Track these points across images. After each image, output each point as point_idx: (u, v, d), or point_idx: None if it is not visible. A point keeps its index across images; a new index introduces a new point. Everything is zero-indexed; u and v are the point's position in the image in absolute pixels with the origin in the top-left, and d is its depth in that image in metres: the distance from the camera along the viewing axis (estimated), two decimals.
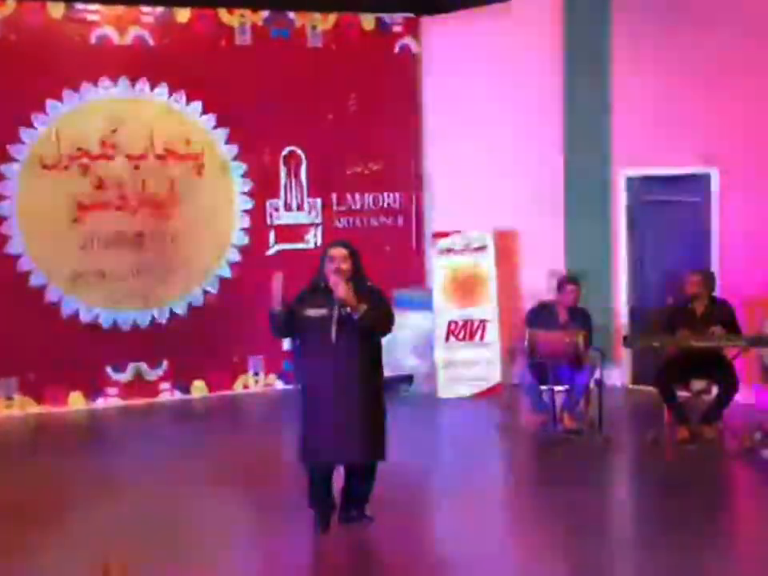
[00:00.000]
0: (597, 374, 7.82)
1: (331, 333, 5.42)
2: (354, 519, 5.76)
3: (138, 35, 9.35)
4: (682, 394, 7.67)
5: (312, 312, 5.50)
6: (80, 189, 9.20)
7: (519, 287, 9.73)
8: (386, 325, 5.59)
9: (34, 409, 9.09)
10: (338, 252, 5.53)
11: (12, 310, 8.92)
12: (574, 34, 9.65)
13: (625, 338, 8.09)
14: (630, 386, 9.48)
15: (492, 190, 9.77)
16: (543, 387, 7.90)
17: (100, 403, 9.34)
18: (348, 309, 5.41)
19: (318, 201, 10.10)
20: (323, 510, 5.71)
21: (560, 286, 8.09)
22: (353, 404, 5.49)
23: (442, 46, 10.20)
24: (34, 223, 9.07)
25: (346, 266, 5.49)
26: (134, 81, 9.35)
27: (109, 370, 9.38)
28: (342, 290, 5.41)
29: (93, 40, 9.20)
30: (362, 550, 5.69)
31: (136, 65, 9.34)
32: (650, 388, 8.11)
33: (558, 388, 7.92)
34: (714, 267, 8.69)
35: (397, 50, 10.32)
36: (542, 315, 8.03)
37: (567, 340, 7.65)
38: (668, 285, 8.72)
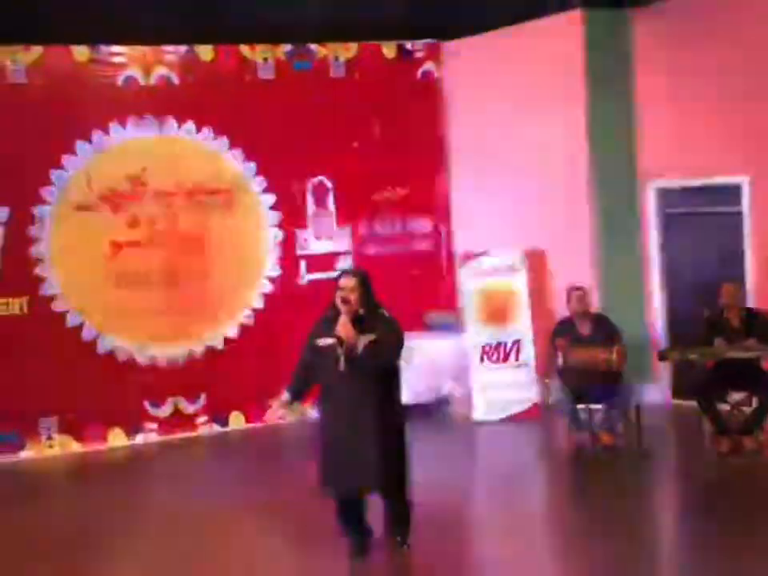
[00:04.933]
0: (634, 390, 7.75)
1: (339, 362, 5.45)
2: (398, 546, 5.75)
3: (163, 75, 9.50)
4: (721, 406, 7.58)
5: (322, 342, 5.55)
6: (112, 228, 9.33)
7: (551, 306, 9.67)
8: (390, 356, 5.58)
9: (74, 447, 9.18)
10: (346, 282, 5.56)
11: (50, 350, 9.03)
12: (595, 49, 9.64)
13: (660, 352, 8.03)
14: (669, 401, 9.37)
15: (520, 210, 9.77)
16: (580, 406, 7.85)
17: (140, 439, 9.41)
18: (348, 345, 5.43)
19: (347, 229, 10.15)
20: (356, 537, 5.71)
21: (567, 296, 8.07)
22: (365, 432, 5.47)
23: (464, 69, 10.24)
24: (69, 264, 9.20)
25: (354, 296, 5.50)
26: (161, 119, 9.49)
27: (147, 405, 9.46)
28: (340, 327, 5.44)
29: (119, 81, 9.36)
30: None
31: (162, 104, 9.49)
32: (689, 402, 8.03)
33: (594, 406, 7.86)
34: (749, 278, 8.59)
35: (419, 75, 10.39)
36: (564, 330, 7.98)
37: (601, 357, 7.60)
38: (702, 297, 8.64)
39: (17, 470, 8.81)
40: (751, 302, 8.19)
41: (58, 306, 9.18)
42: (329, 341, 5.52)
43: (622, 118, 9.53)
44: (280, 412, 5.83)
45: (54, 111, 9.08)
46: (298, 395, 5.79)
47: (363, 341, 5.44)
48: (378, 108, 10.13)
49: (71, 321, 9.23)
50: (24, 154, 8.95)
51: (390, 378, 5.63)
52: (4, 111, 8.95)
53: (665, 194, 9.45)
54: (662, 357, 7.97)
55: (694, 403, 7.76)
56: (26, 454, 9.05)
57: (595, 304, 8.83)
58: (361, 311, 5.52)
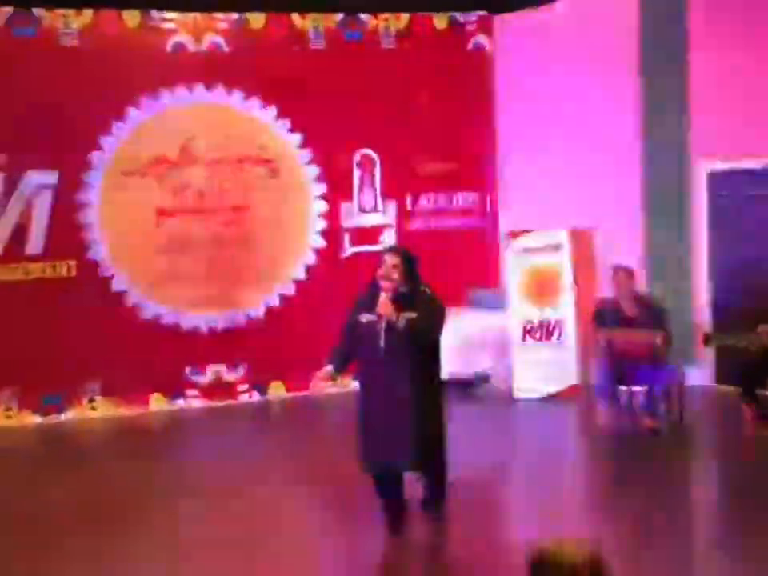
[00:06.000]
0: (677, 374, 7.67)
1: (380, 339, 5.44)
2: (433, 520, 5.76)
3: (213, 42, 9.49)
4: (763, 392, 7.48)
5: (363, 317, 5.54)
6: (159, 195, 9.38)
7: (596, 286, 9.57)
8: (431, 334, 5.56)
9: (116, 411, 9.30)
10: (390, 259, 5.54)
11: (95, 314, 9.12)
12: (650, 25, 9.46)
13: (705, 336, 7.92)
14: (712, 385, 9.26)
15: (568, 188, 9.66)
16: (621, 387, 7.78)
17: (180, 405, 9.50)
18: (388, 322, 5.42)
19: (392, 202, 10.12)
20: (392, 512, 5.73)
21: (613, 277, 7.98)
22: (403, 409, 5.47)
23: (516, 42, 10.11)
24: (116, 229, 9.27)
25: (396, 273, 5.48)
26: (209, 87, 9.49)
27: (189, 372, 9.54)
28: (381, 305, 5.43)
29: (169, 48, 9.37)
30: (433, 552, 5.67)
31: (211, 71, 9.48)
32: (732, 387, 7.93)
33: (636, 388, 7.79)
34: None
35: (470, 48, 10.28)
36: (608, 311, 7.90)
37: (645, 339, 7.52)
38: (750, 282, 8.50)
39: (59, 431, 8.94)
40: None
41: (104, 271, 9.27)
42: (370, 317, 5.52)
43: (677, 94, 9.35)
44: (322, 384, 5.83)
45: (105, 76, 9.11)
46: (339, 368, 5.80)
47: (403, 319, 5.42)
48: (427, 80, 10.05)
49: (117, 285, 9.32)
50: (74, 118, 9.00)
51: (429, 355, 5.61)
52: (55, 75, 8.98)
53: (717, 177, 9.28)
54: (707, 341, 7.86)
55: (736, 388, 7.66)
56: (68, 416, 9.18)
57: (641, 285, 8.72)
58: (403, 289, 5.50)
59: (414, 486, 5.79)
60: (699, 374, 9.22)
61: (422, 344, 5.52)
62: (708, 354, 9.16)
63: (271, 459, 7.56)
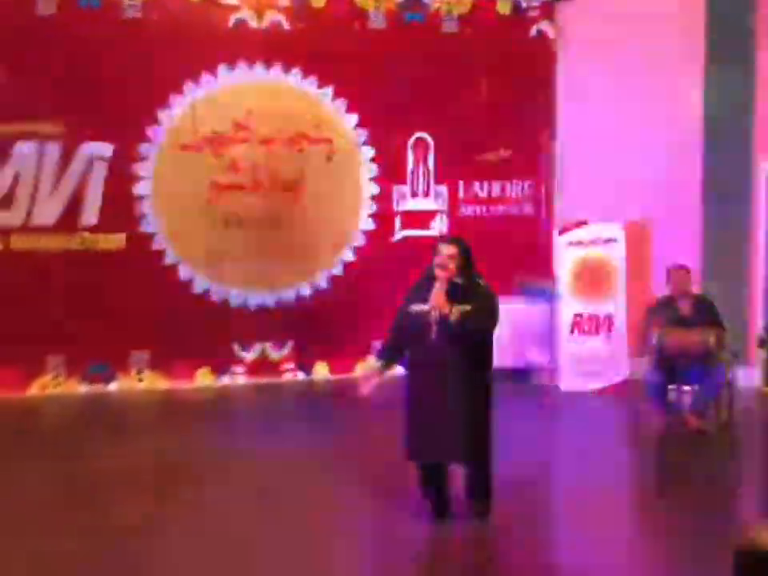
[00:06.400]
0: (729, 375, 7.54)
1: (432, 330, 5.40)
2: (478, 515, 5.72)
3: (274, 19, 9.46)
4: None
5: (416, 307, 5.49)
6: (214, 170, 9.39)
7: (649, 282, 9.44)
8: (484, 328, 5.48)
9: (162, 384, 9.36)
10: (446, 249, 5.48)
11: (145, 287, 9.17)
12: (716, 16, 9.28)
13: (761, 338, 7.78)
14: (764, 388, 9.11)
15: (625, 180, 9.51)
16: (671, 386, 7.68)
17: (226, 380, 9.54)
18: (441, 314, 5.37)
19: (445, 188, 10.04)
20: (435, 502, 5.69)
21: (668, 276, 7.85)
22: (451, 403, 5.42)
23: (579, 30, 9.95)
24: (170, 203, 9.30)
25: (452, 263, 5.42)
26: (269, 64, 9.47)
27: (236, 348, 9.57)
28: (435, 296, 5.37)
29: (230, 24, 9.36)
30: (476, 545, 5.63)
31: (271, 49, 9.46)
32: None
33: (686, 387, 7.68)
34: None
35: (533, 34, 10.15)
36: (663, 310, 7.78)
37: (698, 339, 7.40)
38: None
39: (105, 401, 9.03)
40: None
41: (156, 244, 9.31)
42: (423, 307, 5.46)
43: (741, 86, 9.16)
44: (369, 383, 5.76)
45: (165, 50, 9.12)
46: (389, 359, 5.76)
47: (457, 311, 5.37)
48: (488, 66, 9.93)
49: (168, 259, 9.36)
50: (133, 91, 9.03)
51: (481, 349, 5.55)
52: (116, 46, 9.01)
53: None
54: (762, 344, 7.73)
55: None
56: (115, 386, 9.26)
57: (696, 281, 8.58)
58: (458, 280, 5.44)
59: (458, 477, 5.75)
60: (751, 376, 9.08)
61: (475, 338, 5.46)
62: (761, 356, 9.01)
63: (315, 440, 7.55)
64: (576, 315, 9.34)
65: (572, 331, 9.33)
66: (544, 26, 10.15)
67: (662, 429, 7.70)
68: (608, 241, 9.35)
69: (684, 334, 7.50)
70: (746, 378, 8.95)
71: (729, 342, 7.51)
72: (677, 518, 5.98)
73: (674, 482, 6.78)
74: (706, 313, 7.68)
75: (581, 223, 9.42)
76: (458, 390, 5.44)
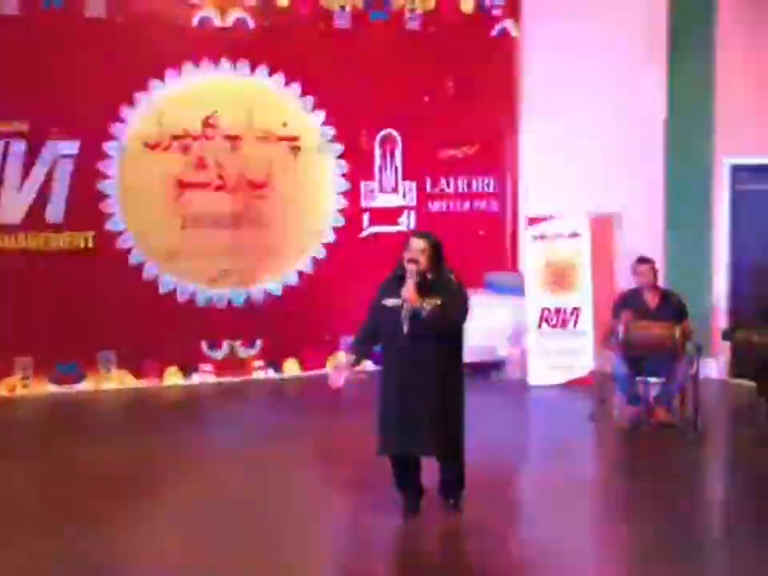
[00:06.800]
0: (693, 367, 7.65)
1: (404, 324, 5.45)
2: (451, 508, 5.79)
3: (239, 18, 9.45)
4: None
5: (389, 301, 5.54)
6: (180, 168, 9.37)
7: (615, 275, 9.56)
8: (455, 321, 5.55)
9: (130, 382, 9.32)
10: (417, 243, 5.52)
11: (112, 286, 9.13)
12: (678, 15, 9.41)
13: (724, 331, 7.91)
14: (728, 380, 9.26)
15: (589, 175, 9.63)
16: (637, 378, 7.78)
17: (195, 379, 9.53)
18: (412, 308, 5.43)
19: (413, 184, 10.09)
20: (408, 495, 5.74)
21: (634, 268, 7.94)
22: (423, 396, 5.48)
23: (541, 28, 10.03)
24: (135, 201, 9.27)
25: (422, 258, 5.47)
26: (234, 63, 9.46)
27: (204, 347, 9.56)
28: (406, 290, 5.43)
29: (195, 22, 9.34)
30: (446, 538, 5.69)
31: (236, 47, 9.45)
32: (749, 382, 7.92)
33: (652, 380, 7.79)
34: None
35: (495, 33, 10.22)
36: (630, 302, 7.87)
37: (665, 332, 7.50)
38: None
39: (74, 401, 8.97)
40: None
41: (122, 243, 9.27)
42: (395, 301, 5.51)
43: (702, 83, 9.30)
44: (340, 375, 5.80)
45: (130, 48, 9.08)
46: (360, 353, 5.80)
47: (428, 305, 5.42)
48: (451, 64, 10.00)
49: (134, 258, 9.32)
50: (98, 89, 8.98)
51: (452, 342, 5.61)
52: (80, 45, 8.96)
53: (739, 171, 9.24)
54: (726, 336, 7.85)
55: (751, 383, 7.65)
56: (84, 386, 9.21)
57: (662, 276, 8.70)
58: (429, 275, 5.49)
59: (431, 470, 5.80)
60: (714, 368, 9.23)
61: (446, 331, 5.52)
62: (724, 348, 9.16)
63: (286, 437, 7.57)
64: (543, 309, 9.43)
65: (539, 325, 9.43)
66: (507, 24, 10.23)
67: (627, 421, 7.80)
68: (573, 235, 9.45)
69: (651, 327, 7.59)
70: (709, 369, 9.10)
71: (694, 335, 7.60)
72: (647, 507, 6.07)
73: (638, 474, 6.88)
74: (670, 305, 7.79)
75: (546, 218, 9.52)
76: (430, 383, 5.49)
